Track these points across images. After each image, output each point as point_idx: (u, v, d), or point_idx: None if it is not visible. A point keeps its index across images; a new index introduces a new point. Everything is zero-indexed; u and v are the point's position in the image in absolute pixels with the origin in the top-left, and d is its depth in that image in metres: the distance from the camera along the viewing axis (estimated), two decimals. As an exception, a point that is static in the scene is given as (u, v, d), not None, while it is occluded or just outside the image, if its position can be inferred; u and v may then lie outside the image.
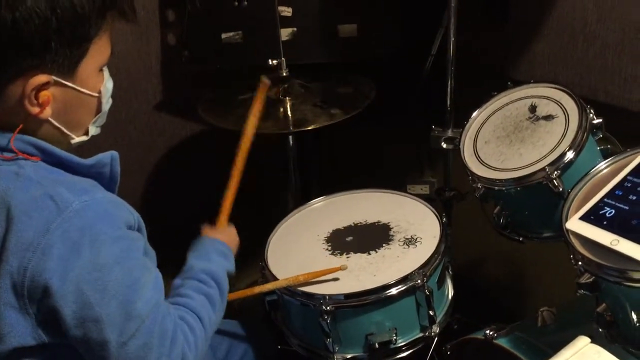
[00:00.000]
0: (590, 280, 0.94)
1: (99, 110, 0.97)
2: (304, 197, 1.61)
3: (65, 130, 0.94)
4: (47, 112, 0.90)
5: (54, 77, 0.88)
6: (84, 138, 0.98)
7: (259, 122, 1.25)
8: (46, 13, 0.84)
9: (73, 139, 0.96)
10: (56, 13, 0.84)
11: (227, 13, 1.78)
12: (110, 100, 1.00)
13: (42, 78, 0.87)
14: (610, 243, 0.92)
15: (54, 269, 0.84)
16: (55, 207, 0.85)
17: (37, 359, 0.89)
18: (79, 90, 0.92)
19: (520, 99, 1.33)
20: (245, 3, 1.75)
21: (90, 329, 0.86)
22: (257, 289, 1.26)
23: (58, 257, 0.84)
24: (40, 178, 0.88)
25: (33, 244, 0.84)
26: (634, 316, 0.94)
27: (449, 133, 1.60)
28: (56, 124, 0.92)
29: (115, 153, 0.98)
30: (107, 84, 0.97)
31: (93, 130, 0.99)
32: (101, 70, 0.95)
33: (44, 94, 0.88)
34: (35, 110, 0.89)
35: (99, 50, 0.92)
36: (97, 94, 0.95)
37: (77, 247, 0.85)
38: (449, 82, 1.57)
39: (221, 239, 1.16)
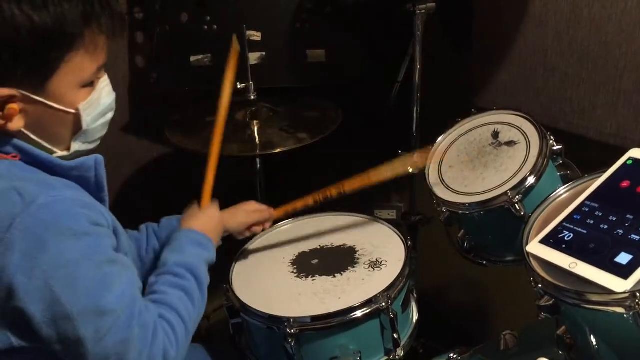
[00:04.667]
0: (550, 302, 0.95)
1: (78, 126, 0.95)
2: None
3: (46, 144, 0.93)
4: (17, 124, 0.89)
5: (21, 91, 0.87)
6: (66, 153, 0.96)
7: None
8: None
9: (55, 152, 0.95)
10: (9, 28, 0.83)
11: (197, 36, 1.78)
12: (108, 116, 0.98)
13: (3, 91, 0.86)
14: (569, 266, 0.94)
15: (18, 264, 0.81)
16: (20, 201, 0.83)
17: None
18: (50, 106, 0.90)
19: (484, 125, 1.36)
20: (215, 27, 1.76)
21: (63, 327, 0.84)
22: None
23: (22, 253, 0.82)
24: (11, 174, 0.87)
25: None
26: (593, 338, 0.96)
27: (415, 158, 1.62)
28: (33, 137, 0.91)
29: (99, 156, 0.96)
30: (99, 100, 0.95)
31: (77, 146, 0.97)
32: (86, 86, 0.94)
33: (10, 107, 0.87)
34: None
35: (76, 67, 0.90)
36: (73, 111, 0.93)
37: (42, 242, 0.82)
38: (415, 108, 1.59)
39: (199, 227, 1.13)
